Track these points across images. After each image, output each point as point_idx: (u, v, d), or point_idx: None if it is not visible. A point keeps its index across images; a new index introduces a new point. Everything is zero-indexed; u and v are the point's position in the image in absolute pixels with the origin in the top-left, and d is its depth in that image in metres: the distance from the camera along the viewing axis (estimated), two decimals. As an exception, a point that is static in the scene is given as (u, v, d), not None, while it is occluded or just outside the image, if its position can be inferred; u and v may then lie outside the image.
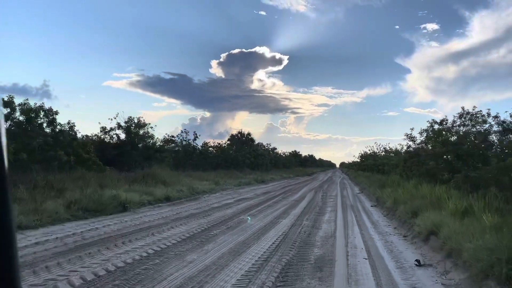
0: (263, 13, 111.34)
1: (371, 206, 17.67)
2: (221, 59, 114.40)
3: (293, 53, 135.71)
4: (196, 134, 30.66)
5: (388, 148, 48.51)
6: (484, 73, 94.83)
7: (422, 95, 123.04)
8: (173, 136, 29.19)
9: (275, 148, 65.61)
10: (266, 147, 56.75)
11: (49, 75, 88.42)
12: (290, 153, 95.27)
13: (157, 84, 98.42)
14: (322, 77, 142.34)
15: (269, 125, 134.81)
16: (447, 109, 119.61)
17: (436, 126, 17.82)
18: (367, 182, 33.51)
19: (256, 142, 56.54)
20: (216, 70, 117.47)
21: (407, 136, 19.13)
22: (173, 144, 28.24)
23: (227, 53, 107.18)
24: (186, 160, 27.64)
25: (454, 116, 16.79)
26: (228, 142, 43.42)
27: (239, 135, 44.85)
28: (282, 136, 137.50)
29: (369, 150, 53.28)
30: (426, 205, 10.48)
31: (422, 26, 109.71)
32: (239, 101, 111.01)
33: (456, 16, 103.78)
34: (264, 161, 42.38)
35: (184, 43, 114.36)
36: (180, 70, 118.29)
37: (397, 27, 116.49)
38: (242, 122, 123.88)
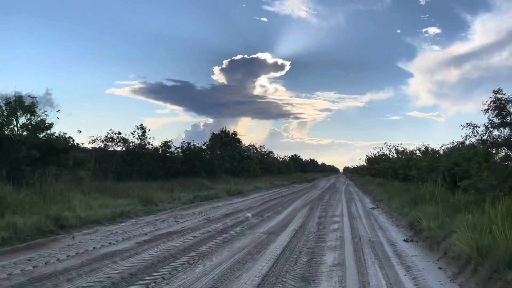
0: (264, 19, 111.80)
1: (405, 240, 10.01)
2: (223, 66, 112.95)
3: (295, 59, 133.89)
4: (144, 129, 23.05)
5: (401, 149, 40.87)
6: (487, 76, 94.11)
7: (425, 99, 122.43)
8: (119, 133, 21.80)
9: (271, 152, 58.08)
10: (260, 150, 49.19)
11: (52, 84, 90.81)
12: (289, 157, 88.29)
13: (159, 91, 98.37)
14: (325, 82, 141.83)
15: (272, 131, 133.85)
16: (451, 112, 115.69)
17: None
18: (381, 191, 25.81)
19: (247, 144, 49.07)
20: (218, 77, 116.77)
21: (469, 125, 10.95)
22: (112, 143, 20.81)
23: (229, 59, 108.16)
24: (130, 165, 20.01)
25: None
26: (209, 142, 35.88)
27: (222, 134, 37.38)
28: (285, 141, 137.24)
29: (377, 151, 45.73)
30: None
31: (424, 30, 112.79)
32: (241, 107, 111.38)
33: (458, 20, 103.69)
34: (251, 166, 34.82)
35: (186, 50, 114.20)
36: (182, 77, 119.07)
37: (398, 31, 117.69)
38: (244, 128, 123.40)
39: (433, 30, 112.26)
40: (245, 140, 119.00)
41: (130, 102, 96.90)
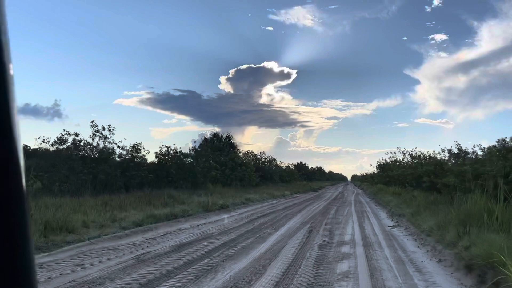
0: (270, 28, 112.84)
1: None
2: (230, 75, 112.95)
3: (301, 67, 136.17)
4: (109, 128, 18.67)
5: (418, 154, 36.13)
6: (495, 82, 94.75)
7: (433, 106, 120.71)
8: (76, 134, 17.40)
9: (274, 159, 53.54)
10: (259, 157, 44.73)
11: (60, 95, 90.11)
12: (294, 165, 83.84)
13: (166, 101, 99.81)
14: (331, 90, 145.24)
15: (279, 139, 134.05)
16: (459, 119, 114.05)
17: None
18: (399, 202, 21.22)
19: (246, 150, 44.65)
20: (225, 86, 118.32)
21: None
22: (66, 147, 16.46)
23: (235, 68, 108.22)
24: (78, 173, 15.50)
25: None
26: (198, 148, 31.53)
27: (214, 138, 33.05)
28: (292, 150, 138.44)
29: (390, 157, 41.03)
30: None
31: (430, 37, 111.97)
32: (248, 116, 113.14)
33: (464, 26, 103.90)
34: (246, 174, 30.30)
35: (192, 60, 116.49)
36: (189, 87, 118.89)
37: (405, 38, 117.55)
38: (251, 137, 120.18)
39: (439, 37, 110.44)
40: (253, 149, 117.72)
41: (137, 112, 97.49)
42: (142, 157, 19.47)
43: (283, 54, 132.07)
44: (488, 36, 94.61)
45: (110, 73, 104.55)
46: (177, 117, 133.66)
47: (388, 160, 41.66)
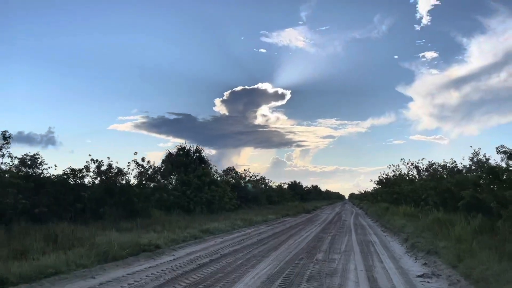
0: (263, 50, 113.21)
1: None
2: (225, 97, 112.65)
3: (295, 87, 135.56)
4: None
5: (425, 167, 30.20)
6: (487, 98, 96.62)
7: (427, 122, 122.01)
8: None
9: (263, 179, 47.32)
10: (240, 174, 38.56)
11: (54, 122, 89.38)
12: (288, 184, 77.71)
13: (162, 125, 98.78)
14: (326, 109, 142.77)
15: (275, 160, 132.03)
16: (453, 135, 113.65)
17: None
18: (418, 228, 15.22)
19: (226, 167, 38.56)
20: (219, 108, 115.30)
21: None
22: None
23: (230, 91, 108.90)
24: None
25: None
26: (162, 165, 25.38)
27: (180, 152, 26.91)
28: (289, 170, 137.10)
29: (393, 171, 35.02)
30: None
31: (421, 54, 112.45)
32: (243, 137, 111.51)
33: (454, 43, 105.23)
34: (215, 196, 23.89)
35: (187, 83, 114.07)
36: (184, 110, 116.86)
37: (396, 57, 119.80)
38: (248, 158, 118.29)
39: (430, 54, 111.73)
40: (250, 170, 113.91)
41: (132, 136, 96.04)
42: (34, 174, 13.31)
43: (276, 75, 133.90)
44: (478, 52, 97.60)
45: (104, 98, 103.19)
46: (173, 140, 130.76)
47: (391, 174, 35.71)
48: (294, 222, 27.18)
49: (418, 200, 22.15)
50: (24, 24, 79.15)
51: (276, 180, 64.63)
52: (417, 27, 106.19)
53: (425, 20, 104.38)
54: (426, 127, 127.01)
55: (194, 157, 28.09)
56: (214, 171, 27.90)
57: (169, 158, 26.63)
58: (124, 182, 16.15)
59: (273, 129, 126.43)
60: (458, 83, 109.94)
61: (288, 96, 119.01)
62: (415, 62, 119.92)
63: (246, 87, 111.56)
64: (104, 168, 16.41)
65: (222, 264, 9.89)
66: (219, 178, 33.82)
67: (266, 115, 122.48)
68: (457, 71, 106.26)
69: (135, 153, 17.41)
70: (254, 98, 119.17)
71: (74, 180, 14.87)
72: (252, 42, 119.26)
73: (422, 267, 9.85)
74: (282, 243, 14.60)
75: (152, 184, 17.78)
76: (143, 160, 17.55)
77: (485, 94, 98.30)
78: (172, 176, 24.83)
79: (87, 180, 15.64)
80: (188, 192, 22.59)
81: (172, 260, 10.11)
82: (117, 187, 15.65)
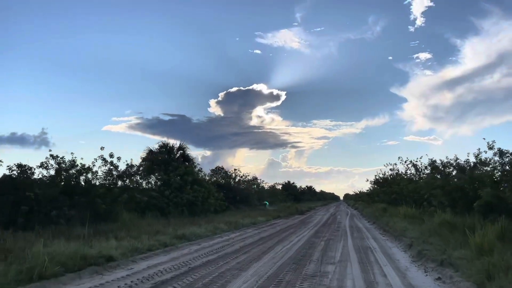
0: (258, 51, 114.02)
1: None
2: (220, 98, 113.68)
3: (290, 89, 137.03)
4: None
5: (425, 165, 28.32)
6: (480, 99, 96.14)
7: (421, 123, 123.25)
8: None
9: (255, 179, 45.29)
10: (230, 173, 36.56)
11: (48, 123, 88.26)
12: (282, 185, 75.89)
13: (156, 126, 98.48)
14: (320, 110, 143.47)
15: (270, 161, 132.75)
16: (447, 135, 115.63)
17: None
18: (423, 233, 13.30)
19: (215, 167, 36.52)
20: (215, 109, 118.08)
21: None
22: None
23: (225, 92, 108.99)
24: None
25: None
26: (142, 162, 23.30)
27: (162, 150, 24.85)
28: (284, 171, 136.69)
29: (390, 169, 33.15)
30: None
31: (415, 55, 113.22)
32: (238, 138, 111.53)
33: (448, 45, 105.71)
34: (198, 197, 21.73)
35: (182, 84, 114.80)
36: (178, 111, 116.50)
37: (390, 58, 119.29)
38: (243, 159, 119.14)
39: (424, 56, 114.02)
40: (245, 171, 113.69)
41: (127, 138, 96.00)
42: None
43: (271, 76, 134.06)
44: (471, 54, 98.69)
45: (98, 99, 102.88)
46: (167, 141, 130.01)
47: (388, 173, 33.84)
48: (286, 224, 25.21)
49: (419, 200, 20.28)
50: (19, 25, 78.31)
51: (272, 181, 63.17)
52: (411, 29, 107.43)
53: (419, 21, 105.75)
54: (420, 128, 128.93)
55: (178, 155, 25.99)
56: (199, 169, 25.79)
57: (150, 156, 24.52)
58: (86, 180, 14.04)
59: (268, 130, 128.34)
60: (451, 84, 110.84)
61: (283, 97, 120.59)
62: (409, 63, 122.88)
63: (241, 88, 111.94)
64: (66, 166, 14.29)
65: (187, 281, 7.87)
66: (207, 178, 31.84)
67: (261, 116, 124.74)
68: (450, 72, 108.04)
69: (102, 148, 15.27)
70: (249, 99, 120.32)
71: (21, 178, 12.76)
72: (247, 43, 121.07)
73: (436, 283, 7.91)
74: (267, 250, 12.61)
75: (122, 183, 15.66)
76: (111, 156, 15.46)
77: (478, 95, 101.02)
78: (153, 176, 22.74)
79: (40, 177, 13.46)
80: (167, 193, 20.52)
81: (124, 277, 8.06)
82: (78, 187, 13.56)
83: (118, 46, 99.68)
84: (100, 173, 15.09)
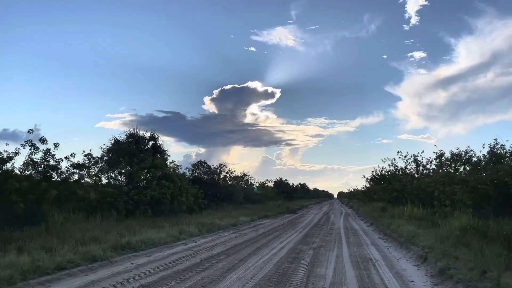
0: (253, 49, 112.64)
1: None
2: (214, 95, 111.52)
3: (285, 86, 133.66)
4: None
5: (428, 160, 25.36)
6: (474, 98, 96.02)
7: (415, 122, 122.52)
8: None
9: (244, 175, 42.08)
10: (214, 168, 33.36)
11: (41, 119, 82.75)
12: (274, 182, 72.81)
13: (150, 123, 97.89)
14: (315, 108, 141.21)
15: (265, 158, 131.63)
16: (441, 134, 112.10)
17: None
18: (450, 242, 10.15)
19: (198, 161, 33.26)
20: (209, 106, 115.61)
21: None
22: None
23: (219, 89, 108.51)
24: None
25: None
26: (105, 155, 20.05)
27: (130, 140, 21.58)
28: (278, 168, 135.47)
29: (388, 165, 30.08)
30: None
31: (409, 54, 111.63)
32: (233, 135, 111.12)
33: (442, 43, 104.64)
34: (166, 195, 18.42)
35: (176, 81, 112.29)
36: (173, 108, 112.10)
37: (385, 56, 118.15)
38: (237, 156, 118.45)
39: (418, 54, 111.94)
40: (239, 169, 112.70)
41: (121, 134, 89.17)
42: None
43: (266, 73, 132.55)
44: (465, 53, 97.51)
45: (92, 95, 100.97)
46: (161, 138, 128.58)
47: (387, 169, 30.76)
48: (271, 226, 22.08)
49: (426, 199, 17.24)
50: (11, 21, 74.97)
51: (266, 178, 60.16)
52: (406, 27, 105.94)
53: (414, 20, 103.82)
54: (414, 127, 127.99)
55: (150, 145, 22.73)
56: (171, 162, 22.49)
57: (116, 147, 21.23)
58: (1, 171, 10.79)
59: (262, 128, 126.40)
60: (445, 83, 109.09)
61: (277, 95, 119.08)
62: (404, 62, 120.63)
63: (236, 85, 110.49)
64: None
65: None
66: (187, 174, 28.61)
67: (255, 113, 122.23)
68: (444, 71, 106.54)
69: (30, 131, 11.91)
70: (244, 96, 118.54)
71: None
72: (242, 40, 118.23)
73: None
74: (236, 265, 9.44)
75: (56, 176, 12.39)
76: (43, 141, 12.13)
77: (472, 94, 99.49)
78: (118, 170, 19.46)
79: None
80: (126, 189, 17.28)
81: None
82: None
83: (112, 43, 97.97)
84: (21, 162, 11.79)
